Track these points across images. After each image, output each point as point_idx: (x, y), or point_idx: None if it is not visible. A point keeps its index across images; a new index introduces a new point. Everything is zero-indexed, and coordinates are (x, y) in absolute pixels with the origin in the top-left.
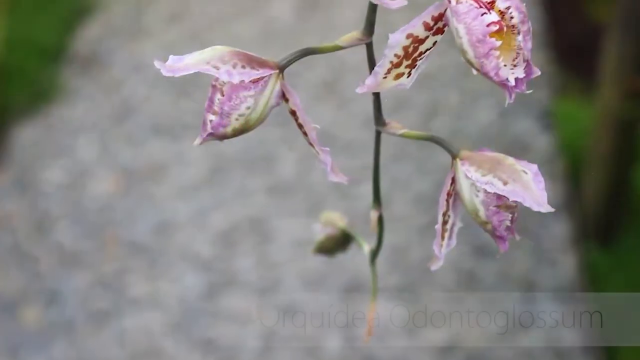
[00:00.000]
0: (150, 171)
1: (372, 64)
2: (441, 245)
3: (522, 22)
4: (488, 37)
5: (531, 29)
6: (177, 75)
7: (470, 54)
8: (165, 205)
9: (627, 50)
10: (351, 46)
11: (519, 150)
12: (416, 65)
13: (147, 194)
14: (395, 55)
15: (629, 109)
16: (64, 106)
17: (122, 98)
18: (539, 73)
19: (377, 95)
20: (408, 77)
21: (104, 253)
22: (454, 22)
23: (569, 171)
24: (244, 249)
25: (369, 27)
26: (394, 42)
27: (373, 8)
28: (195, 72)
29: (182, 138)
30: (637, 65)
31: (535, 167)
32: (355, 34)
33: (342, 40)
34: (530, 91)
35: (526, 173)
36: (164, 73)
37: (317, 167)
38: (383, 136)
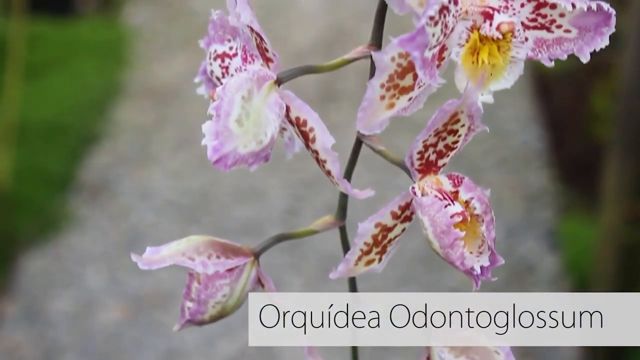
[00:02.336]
0: (158, 299)
1: (345, 247)
2: None
3: (485, 212)
4: (452, 228)
5: (494, 218)
6: (153, 268)
7: (436, 245)
8: (173, 333)
9: (627, 175)
10: (325, 230)
11: (525, 270)
12: (386, 251)
13: (155, 322)
14: (365, 243)
15: (630, 234)
16: (72, 235)
17: (129, 225)
18: (503, 262)
19: (352, 280)
20: (379, 262)
21: None
22: (419, 214)
23: (575, 291)
24: None
25: (341, 211)
26: (363, 231)
27: (344, 194)
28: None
29: None
30: (636, 191)
31: (507, 348)
32: (328, 218)
33: (316, 224)
34: (495, 279)
35: (498, 354)
36: (141, 267)
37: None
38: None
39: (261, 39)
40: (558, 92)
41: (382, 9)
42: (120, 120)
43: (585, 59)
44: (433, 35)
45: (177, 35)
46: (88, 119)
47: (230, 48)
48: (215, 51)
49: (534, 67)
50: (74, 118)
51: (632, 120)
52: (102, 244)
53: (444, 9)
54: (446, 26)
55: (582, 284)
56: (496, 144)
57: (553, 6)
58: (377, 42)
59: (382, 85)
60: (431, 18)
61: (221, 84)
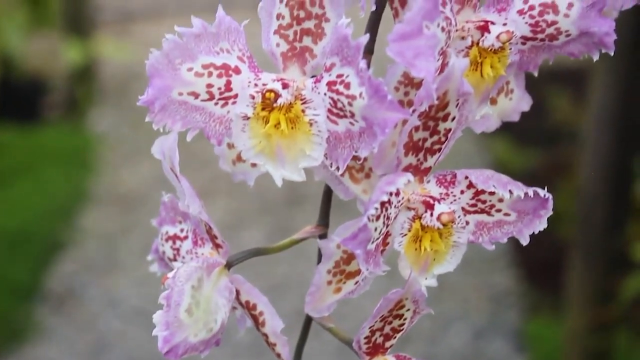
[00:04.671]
0: None
1: None
2: None
3: None
4: None
5: None
6: None
7: None
8: None
9: (589, 280)
10: None
11: None
12: None
13: None
14: None
15: (595, 340)
16: (38, 346)
17: (96, 334)
18: None
19: None
20: None
21: None
22: None
23: None
24: None
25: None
26: None
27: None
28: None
29: None
30: (600, 296)
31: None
32: None
33: None
34: None
35: None
36: None
37: None
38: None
39: (210, 227)
40: None
41: (328, 191)
42: (86, 227)
43: (525, 241)
44: (375, 229)
45: (143, 140)
46: (54, 226)
47: (182, 230)
48: (167, 233)
49: (497, 165)
50: (40, 226)
51: (591, 225)
52: (68, 354)
53: (385, 204)
54: (388, 218)
55: None
56: None
57: (492, 193)
58: (324, 222)
59: (329, 271)
60: (373, 215)
61: (173, 265)
